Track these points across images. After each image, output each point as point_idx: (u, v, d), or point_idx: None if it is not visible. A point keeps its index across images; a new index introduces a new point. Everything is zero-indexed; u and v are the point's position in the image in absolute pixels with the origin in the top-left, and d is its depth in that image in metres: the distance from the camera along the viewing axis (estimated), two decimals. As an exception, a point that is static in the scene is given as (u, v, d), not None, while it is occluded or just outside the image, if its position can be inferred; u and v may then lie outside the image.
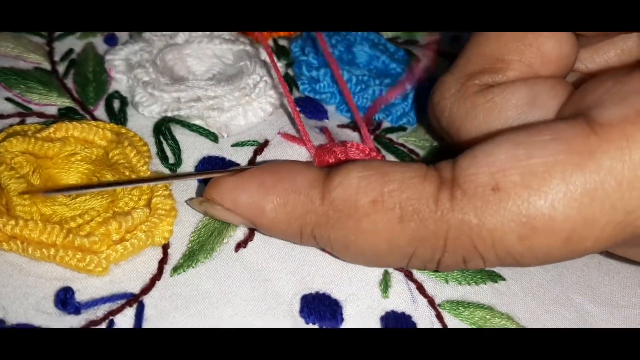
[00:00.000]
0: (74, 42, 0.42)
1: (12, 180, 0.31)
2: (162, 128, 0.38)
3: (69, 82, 0.39)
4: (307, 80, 0.43)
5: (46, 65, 0.40)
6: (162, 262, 0.32)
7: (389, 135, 0.41)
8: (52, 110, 0.38)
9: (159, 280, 0.31)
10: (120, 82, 0.40)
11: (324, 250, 0.33)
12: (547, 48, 0.33)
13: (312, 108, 0.41)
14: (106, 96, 0.39)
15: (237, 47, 0.43)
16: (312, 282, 0.32)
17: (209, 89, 0.39)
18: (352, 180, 0.30)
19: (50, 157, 0.34)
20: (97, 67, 0.41)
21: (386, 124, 0.42)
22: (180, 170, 0.36)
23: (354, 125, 0.41)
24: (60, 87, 0.39)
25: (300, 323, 0.30)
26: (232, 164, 0.37)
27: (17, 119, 0.37)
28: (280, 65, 0.44)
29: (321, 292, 0.32)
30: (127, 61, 0.41)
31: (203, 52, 0.42)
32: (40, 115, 0.37)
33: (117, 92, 0.40)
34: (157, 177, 0.35)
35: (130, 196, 0.33)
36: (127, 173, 0.33)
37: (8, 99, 0.37)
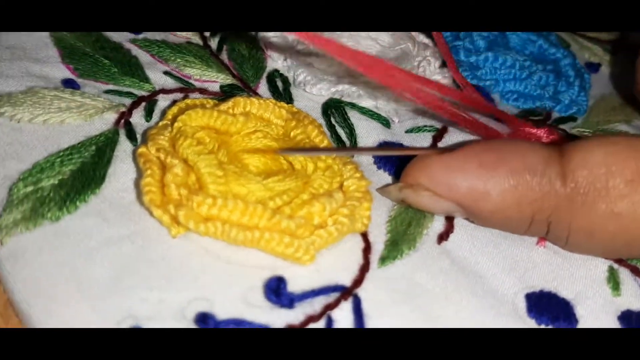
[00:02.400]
0: (221, 18, 0.39)
1: (203, 155, 0.28)
2: (333, 110, 0.34)
3: (224, 59, 0.36)
4: (467, 67, 0.40)
5: (197, 40, 0.37)
6: (367, 251, 0.28)
7: (562, 127, 0.38)
8: (215, 87, 0.34)
9: (367, 271, 0.27)
10: (276, 60, 0.37)
11: (539, 241, 0.30)
12: None
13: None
14: (266, 74, 0.36)
15: None
16: (532, 279, 0.28)
17: (378, 69, 0.36)
18: (598, 157, 0.26)
19: (231, 133, 0.30)
20: (251, 44, 0.37)
21: (555, 114, 0.39)
22: (358, 155, 0.32)
23: (525, 115, 0.38)
24: (218, 63, 0.36)
25: (530, 324, 0.27)
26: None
27: (179, 95, 0.33)
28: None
29: (546, 290, 0.28)
30: (283, 38, 0.37)
31: (356, 33, 0.39)
32: (203, 91, 0.34)
33: (276, 70, 0.36)
34: (373, 149, 0.33)
35: (323, 177, 0.29)
36: (315, 153, 0.30)
37: (167, 73, 0.34)
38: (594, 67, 0.43)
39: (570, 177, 0.26)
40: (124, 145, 0.30)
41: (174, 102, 0.32)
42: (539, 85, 0.39)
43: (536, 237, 0.30)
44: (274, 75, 0.36)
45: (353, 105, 0.35)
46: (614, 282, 0.29)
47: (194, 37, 0.37)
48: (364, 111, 0.35)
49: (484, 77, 0.39)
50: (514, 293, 0.28)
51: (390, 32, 0.39)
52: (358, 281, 0.27)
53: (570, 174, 0.26)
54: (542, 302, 0.28)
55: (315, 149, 0.30)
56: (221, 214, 0.26)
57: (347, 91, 0.35)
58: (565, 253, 0.29)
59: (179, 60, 0.35)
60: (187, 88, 0.34)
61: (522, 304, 0.27)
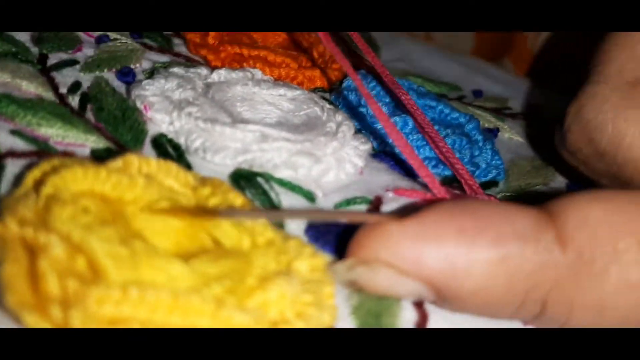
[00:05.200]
0: (77, 75, 0.30)
1: (96, 228, 0.18)
2: (244, 181, 0.27)
3: (91, 119, 0.27)
4: (375, 135, 0.34)
5: (49, 97, 0.28)
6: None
7: (488, 193, 0.34)
8: (84, 152, 0.25)
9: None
10: (158, 123, 0.29)
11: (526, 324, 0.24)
12: None
13: (401, 165, 0.33)
14: (152, 139, 0.27)
15: (293, 93, 0.33)
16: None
17: (291, 131, 0.29)
18: (598, 214, 0.21)
19: (125, 202, 0.21)
20: (123, 104, 0.29)
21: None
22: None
23: (450, 182, 0.33)
24: (84, 122, 0.26)
25: None
26: (350, 227, 0.27)
27: (36, 159, 0.24)
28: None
29: None
30: (166, 99, 0.29)
31: (250, 97, 0.33)
32: (69, 156, 0.24)
33: (163, 134, 0.28)
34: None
35: (267, 255, 0.21)
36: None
37: (15, 132, 0.24)
38: (493, 132, 0.41)
39: (571, 241, 0.21)
40: (-41, 225, 0.19)
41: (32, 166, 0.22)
42: (455, 149, 0.35)
43: (523, 321, 0.24)
44: (161, 140, 0.28)
45: (269, 177, 0.27)
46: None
47: (45, 94, 0.28)
48: (283, 183, 0.28)
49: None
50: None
51: (290, 97, 0.33)
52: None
53: (569, 238, 0.21)
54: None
55: (264, 210, 0.22)
56: (138, 312, 0.17)
57: (258, 160, 0.28)
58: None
59: (29, 117, 0.25)
60: (45, 152, 0.24)
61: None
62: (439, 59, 0.49)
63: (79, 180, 0.20)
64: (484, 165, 0.35)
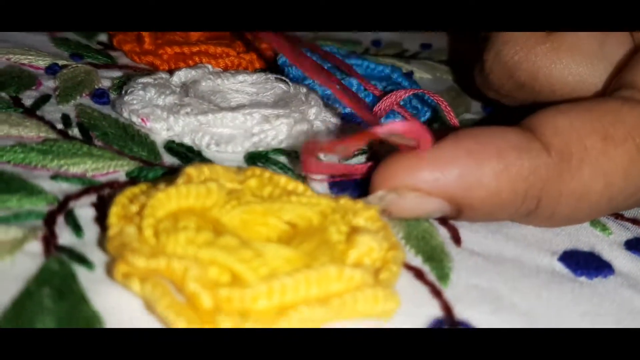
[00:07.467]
0: (58, 108, 0.31)
1: (217, 245, 0.21)
2: (262, 161, 0.30)
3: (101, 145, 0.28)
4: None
5: (54, 135, 0.28)
6: (421, 276, 0.25)
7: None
8: (121, 177, 0.27)
9: (441, 295, 0.24)
10: (158, 131, 0.30)
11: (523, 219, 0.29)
12: None
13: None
14: (164, 147, 0.29)
15: (251, 78, 0.35)
16: (551, 247, 0.28)
17: (277, 108, 0.32)
18: (565, 123, 0.27)
19: (207, 209, 0.24)
20: (117, 124, 0.30)
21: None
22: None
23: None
24: (104, 149, 0.28)
25: (583, 281, 0.27)
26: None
27: (90, 196, 0.25)
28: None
29: (568, 250, 0.28)
30: (156, 107, 0.31)
31: (218, 89, 0.35)
32: (112, 185, 0.26)
33: (171, 141, 0.30)
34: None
35: (337, 222, 0.24)
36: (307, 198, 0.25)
37: (55, 177, 0.25)
38: (410, 76, 0.45)
39: (551, 146, 0.27)
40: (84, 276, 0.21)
41: (100, 204, 0.24)
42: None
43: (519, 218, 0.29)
44: (172, 145, 0.29)
45: (277, 150, 0.31)
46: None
47: (46, 134, 0.28)
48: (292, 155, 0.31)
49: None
50: (548, 261, 0.27)
51: (250, 82, 0.35)
52: (446, 307, 0.23)
53: (549, 144, 0.27)
54: (577, 260, 0.28)
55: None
56: (286, 297, 0.20)
57: (264, 141, 0.31)
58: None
59: (56, 160, 0.26)
60: (93, 187, 0.25)
61: (561, 267, 0.27)
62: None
63: (164, 203, 0.22)
64: (420, 106, 0.39)
